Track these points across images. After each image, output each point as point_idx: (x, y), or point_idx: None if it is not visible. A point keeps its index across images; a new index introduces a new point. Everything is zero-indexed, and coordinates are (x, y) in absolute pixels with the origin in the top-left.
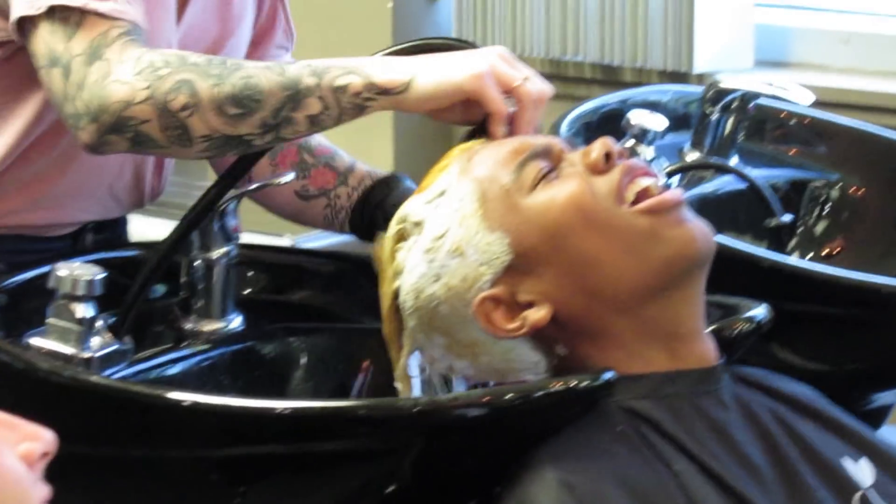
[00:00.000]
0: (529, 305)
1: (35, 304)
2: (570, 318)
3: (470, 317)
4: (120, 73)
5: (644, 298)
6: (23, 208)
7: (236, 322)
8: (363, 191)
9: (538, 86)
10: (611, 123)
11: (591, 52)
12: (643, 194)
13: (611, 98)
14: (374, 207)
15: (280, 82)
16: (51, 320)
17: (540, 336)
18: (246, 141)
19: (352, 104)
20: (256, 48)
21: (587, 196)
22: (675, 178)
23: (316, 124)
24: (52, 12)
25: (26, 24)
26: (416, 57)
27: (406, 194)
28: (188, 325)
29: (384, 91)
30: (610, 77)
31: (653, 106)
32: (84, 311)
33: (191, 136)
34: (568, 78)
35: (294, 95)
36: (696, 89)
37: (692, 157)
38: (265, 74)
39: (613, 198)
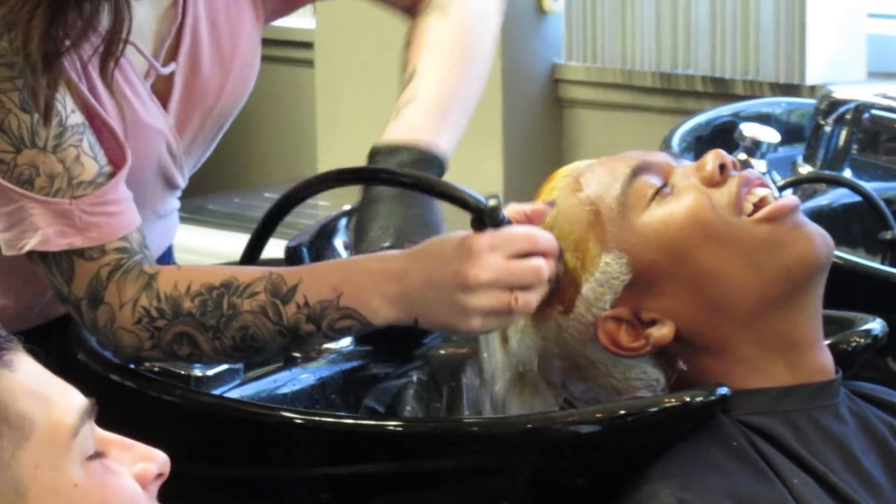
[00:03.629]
0: (652, 323)
1: None
2: (692, 333)
3: (590, 338)
4: (122, 320)
5: (765, 309)
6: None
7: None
8: None
9: (527, 274)
10: (722, 137)
11: (702, 64)
12: (760, 204)
13: (722, 111)
14: None
15: (278, 331)
16: None
17: (661, 353)
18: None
19: (359, 332)
20: None
21: (707, 209)
22: (788, 192)
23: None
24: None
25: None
26: (398, 273)
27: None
28: None
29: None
30: (721, 90)
31: (765, 118)
32: None
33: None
34: (678, 91)
35: (296, 339)
36: (808, 101)
37: (805, 169)
38: (261, 323)
39: (732, 209)
